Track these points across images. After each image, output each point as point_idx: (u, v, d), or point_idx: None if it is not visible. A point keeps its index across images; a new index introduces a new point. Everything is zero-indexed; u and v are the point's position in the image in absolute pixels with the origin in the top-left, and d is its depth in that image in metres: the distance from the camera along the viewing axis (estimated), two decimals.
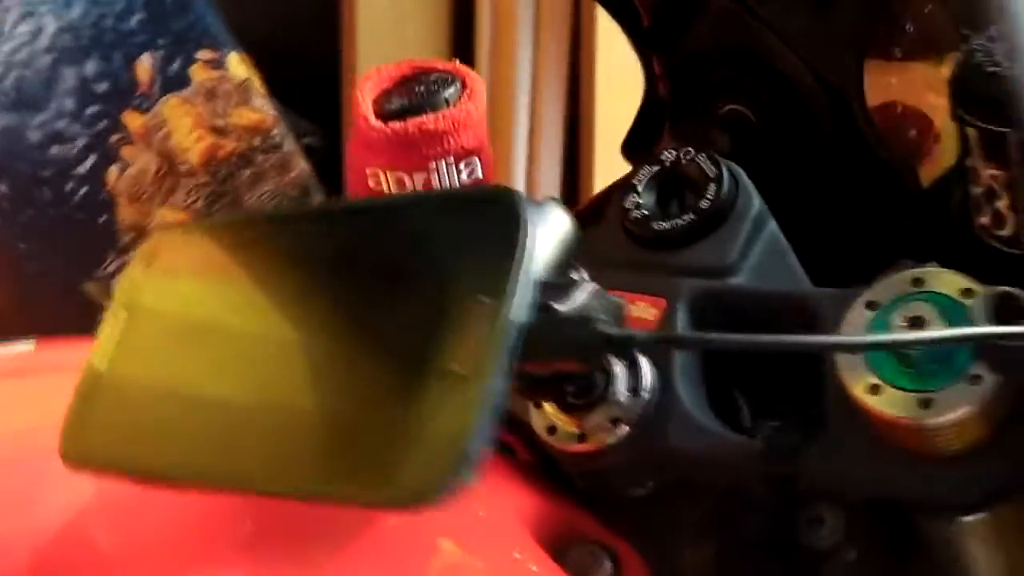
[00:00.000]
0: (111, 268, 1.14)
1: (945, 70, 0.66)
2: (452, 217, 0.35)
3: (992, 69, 0.42)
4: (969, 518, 0.50)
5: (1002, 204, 0.43)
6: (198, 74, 1.15)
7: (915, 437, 0.44)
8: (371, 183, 0.62)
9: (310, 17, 1.43)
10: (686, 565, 0.53)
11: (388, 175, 0.61)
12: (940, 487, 0.46)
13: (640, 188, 0.56)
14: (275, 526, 0.39)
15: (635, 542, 0.51)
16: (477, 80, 0.62)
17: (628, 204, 0.56)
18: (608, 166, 1.43)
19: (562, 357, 0.36)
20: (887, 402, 0.44)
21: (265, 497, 0.36)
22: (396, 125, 0.59)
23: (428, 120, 0.59)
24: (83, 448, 0.39)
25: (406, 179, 0.61)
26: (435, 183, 0.61)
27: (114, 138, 1.14)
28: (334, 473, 0.33)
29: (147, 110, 1.14)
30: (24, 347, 0.54)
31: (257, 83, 1.12)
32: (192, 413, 0.37)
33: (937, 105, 0.66)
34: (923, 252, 0.66)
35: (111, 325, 0.40)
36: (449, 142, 0.60)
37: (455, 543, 0.44)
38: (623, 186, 0.58)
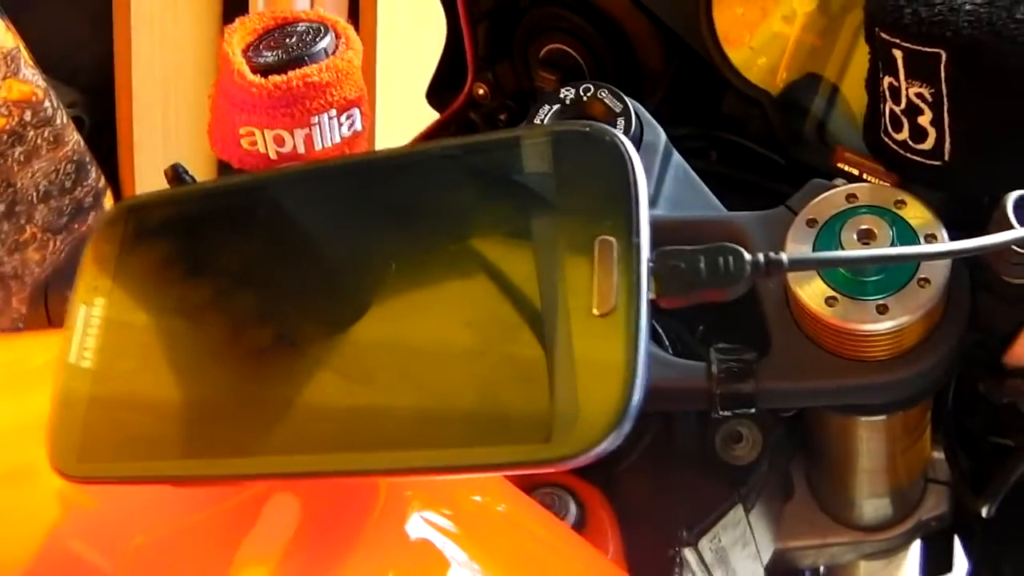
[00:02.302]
0: None
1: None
2: (546, 156, 0.32)
3: None
4: (880, 417, 0.53)
5: (924, 119, 0.45)
6: None
7: (864, 344, 0.46)
8: (244, 144, 0.58)
9: None
10: (631, 493, 0.53)
11: (266, 134, 0.58)
12: (879, 391, 0.48)
13: None
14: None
15: (591, 479, 0.51)
16: (349, 28, 0.59)
17: None
18: (389, 112, 1.41)
19: (708, 287, 0.34)
20: (844, 312, 0.45)
21: (376, 476, 0.32)
22: (277, 79, 0.56)
23: (311, 71, 0.56)
24: (81, 457, 0.33)
25: (286, 137, 0.58)
26: (317, 139, 0.58)
27: None
28: (478, 437, 0.30)
29: None
30: None
31: (25, 52, 1.03)
32: (234, 392, 0.33)
33: (786, 33, 0.69)
34: (782, 172, 0.69)
35: (85, 315, 0.34)
36: (332, 94, 0.57)
37: (418, 493, 0.40)
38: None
